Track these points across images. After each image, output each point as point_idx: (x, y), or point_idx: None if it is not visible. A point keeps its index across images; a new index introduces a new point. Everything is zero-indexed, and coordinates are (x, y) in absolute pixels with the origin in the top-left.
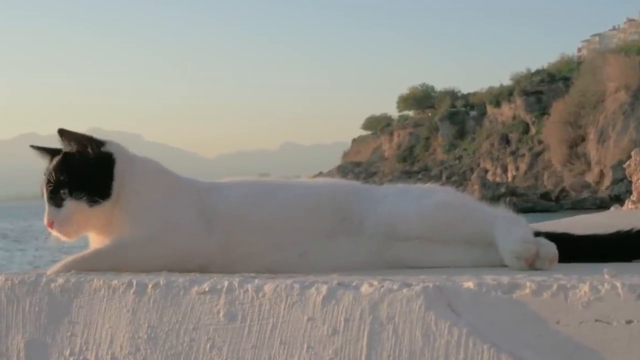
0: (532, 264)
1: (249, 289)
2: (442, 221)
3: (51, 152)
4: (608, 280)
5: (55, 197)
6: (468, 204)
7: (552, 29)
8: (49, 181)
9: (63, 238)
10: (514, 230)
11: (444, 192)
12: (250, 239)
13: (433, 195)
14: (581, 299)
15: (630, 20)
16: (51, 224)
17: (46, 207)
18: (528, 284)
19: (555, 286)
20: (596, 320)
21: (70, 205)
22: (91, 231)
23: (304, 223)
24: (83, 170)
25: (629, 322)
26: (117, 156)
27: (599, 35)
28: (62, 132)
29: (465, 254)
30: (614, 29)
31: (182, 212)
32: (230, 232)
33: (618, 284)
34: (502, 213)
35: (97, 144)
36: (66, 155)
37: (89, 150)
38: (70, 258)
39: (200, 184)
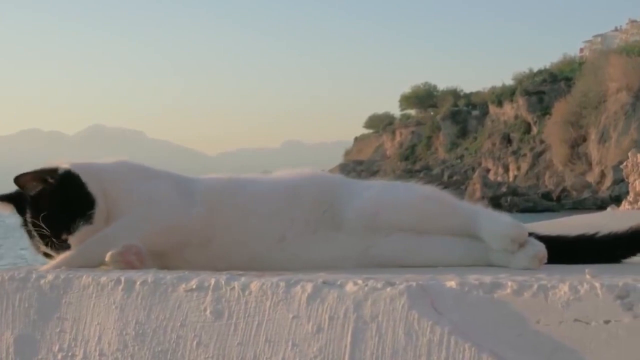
0: (523, 245)
1: (236, 286)
2: (427, 211)
3: (9, 199)
4: (588, 280)
5: (62, 245)
6: (452, 199)
7: (555, 29)
8: (43, 236)
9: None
10: (500, 217)
11: (428, 188)
12: (229, 215)
13: (417, 189)
14: (561, 299)
15: (632, 21)
16: None
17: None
18: (509, 283)
19: (535, 286)
20: (575, 320)
21: (78, 238)
22: None
23: (282, 210)
24: (60, 201)
25: (606, 322)
26: (75, 168)
27: (601, 35)
28: (18, 179)
29: (449, 251)
30: (616, 29)
31: (161, 190)
32: (210, 208)
33: (597, 285)
34: (483, 209)
35: (50, 171)
36: (36, 199)
37: (50, 180)
38: (61, 257)
39: (179, 175)
